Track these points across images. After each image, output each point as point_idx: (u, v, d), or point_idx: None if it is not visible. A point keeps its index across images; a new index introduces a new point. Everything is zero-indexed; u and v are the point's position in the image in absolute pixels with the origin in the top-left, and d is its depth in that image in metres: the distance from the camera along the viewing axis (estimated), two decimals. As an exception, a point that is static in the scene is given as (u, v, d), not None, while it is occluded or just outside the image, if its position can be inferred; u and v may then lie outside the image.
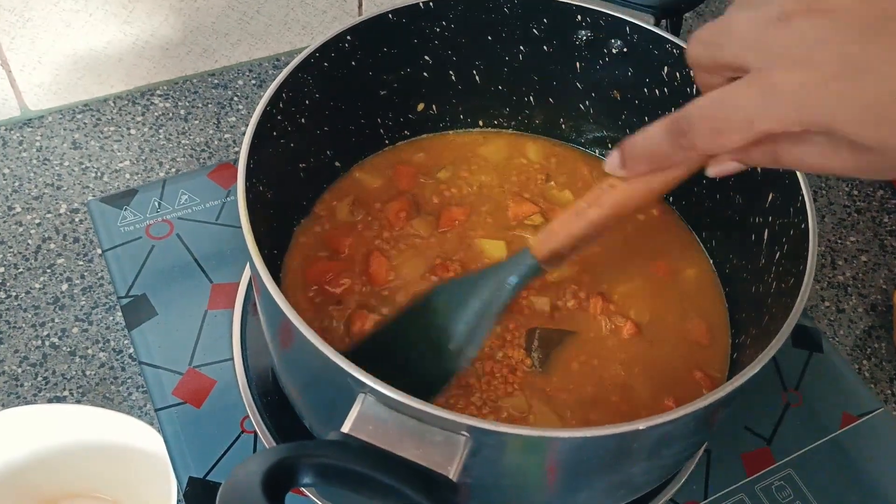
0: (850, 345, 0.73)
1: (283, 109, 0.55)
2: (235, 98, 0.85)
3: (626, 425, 0.42)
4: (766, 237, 0.56)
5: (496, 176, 0.67)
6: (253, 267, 0.47)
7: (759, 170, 0.57)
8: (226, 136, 0.82)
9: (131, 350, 0.67)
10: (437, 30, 0.61)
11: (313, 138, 0.61)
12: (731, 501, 0.58)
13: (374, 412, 0.43)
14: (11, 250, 0.73)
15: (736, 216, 0.60)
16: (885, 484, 0.59)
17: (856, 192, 0.83)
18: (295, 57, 0.55)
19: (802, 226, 0.51)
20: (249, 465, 0.38)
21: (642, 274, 0.62)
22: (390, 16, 0.59)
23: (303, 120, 0.58)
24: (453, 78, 0.65)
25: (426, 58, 0.63)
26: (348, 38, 0.58)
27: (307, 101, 0.58)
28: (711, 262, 0.63)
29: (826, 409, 0.62)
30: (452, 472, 0.41)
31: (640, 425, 0.42)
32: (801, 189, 0.52)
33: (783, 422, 0.62)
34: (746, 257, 0.59)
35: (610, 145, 0.68)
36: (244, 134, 0.81)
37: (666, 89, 0.61)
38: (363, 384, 0.42)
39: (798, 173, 0.53)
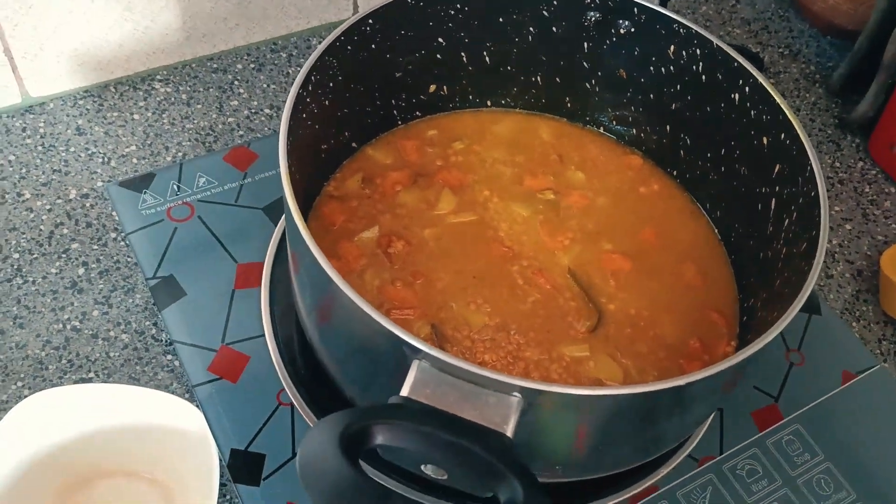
0: (839, 308, 0.77)
1: (311, 92, 0.57)
2: (236, 82, 0.86)
3: (670, 381, 0.45)
4: (773, 206, 0.60)
5: (508, 153, 0.69)
6: (301, 242, 0.48)
7: (765, 142, 0.60)
8: (229, 119, 0.83)
9: (153, 331, 0.68)
10: (452, 12, 0.63)
11: (334, 119, 0.62)
12: (745, 455, 0.61)
13: (429, 377, 0.45)
14: (24, 236, 0.73)
15: (742, 187, 0.63)
16: (885, 434, 0.63)
17: (838, 164, 0.87)
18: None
19: (812, 193, 0.55)
20: (323, 430, 0.40)
21: (643, 243, 0.65)
22: (409, -1, 0.61)
23: (327, 102, 0.60)
24: (465, 59, 0.68)
25: (440, 40, 0.65)
26: (370, 21, 0.60)
27: (331, 84, 0.60)
28: (716, 231, 0.66)
29: (827, 368, 0.66)
30: (510, 431, 0.43)
31: (682, 381, 0.45)
32: (809, 159, 0.55)
33: (788, 380, 0.65)
34: (752, 225, 0.62)
35: (615, 123, 0.70)
36: (248, 117, 0.83)
37: (672, 67, 0.64)
38: (418, 350, 0.45)
39: (805, 144, 0.56)
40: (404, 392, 0.44)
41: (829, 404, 0.64)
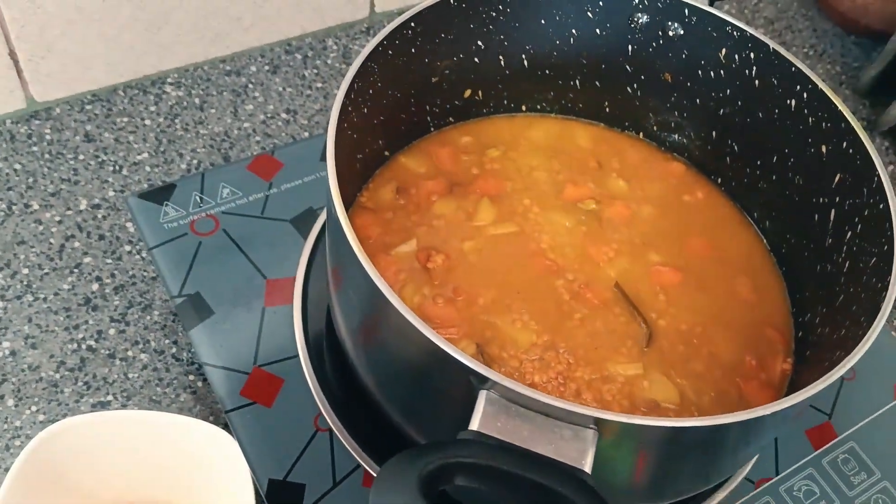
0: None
1: (353, 100, 0.54)
2: (250, 85, 0.83)
3: (752, 412, 0.42)
4: (832, 217, 0.57)
5: (545, 159, 0.66)
6: (350, 257, 0.45)
7: (823, 150, 0.57)
8: (245, 125, 0.80)
9: (174, 350, 0.65)
10: (494, 14, 0.60)
11: (371, 128, 0.59)
12: (801, 476, 0.59)
13: (499, 409, 0.42)
14: (34, 250, 0.69)
15: (795, 197, 0.60)
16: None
17: None
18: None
19: (881, 206, 0.52)
20: (398, 471, 0.37)
21: (692, 254, 0.63)
22: (452, 0, 0.58)
23: (365, 110, 0.57)
24: (502, 63, 0.64)
25: (479, 43, 0.62)
26: (412, 24, 0.56)
27: (370, 91, 0.56)
28: (765, 241, 0.64)
29: (878, 383, 0.64)
30: (588, 466, 0.41)
31: (766, 411, 0.42)
32: (875, 169, 0.53)
33: (840, 397, 0.63)
34: (808, 237, 0.59)
35: (656, 128, 0.68)
36: (264, 122, 0.79)
37: (722, 71, 0.61)
38: (485, 379, 0.42)
39: (871, 152, 0.53)
40: (474, 426, 0.41)
41: (883, 420, 0.62)
